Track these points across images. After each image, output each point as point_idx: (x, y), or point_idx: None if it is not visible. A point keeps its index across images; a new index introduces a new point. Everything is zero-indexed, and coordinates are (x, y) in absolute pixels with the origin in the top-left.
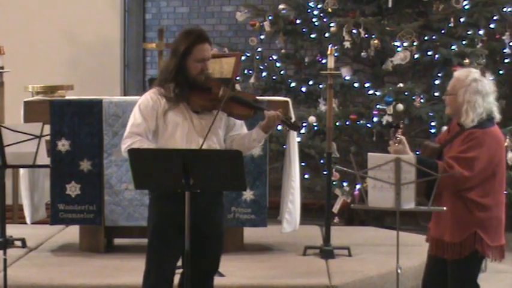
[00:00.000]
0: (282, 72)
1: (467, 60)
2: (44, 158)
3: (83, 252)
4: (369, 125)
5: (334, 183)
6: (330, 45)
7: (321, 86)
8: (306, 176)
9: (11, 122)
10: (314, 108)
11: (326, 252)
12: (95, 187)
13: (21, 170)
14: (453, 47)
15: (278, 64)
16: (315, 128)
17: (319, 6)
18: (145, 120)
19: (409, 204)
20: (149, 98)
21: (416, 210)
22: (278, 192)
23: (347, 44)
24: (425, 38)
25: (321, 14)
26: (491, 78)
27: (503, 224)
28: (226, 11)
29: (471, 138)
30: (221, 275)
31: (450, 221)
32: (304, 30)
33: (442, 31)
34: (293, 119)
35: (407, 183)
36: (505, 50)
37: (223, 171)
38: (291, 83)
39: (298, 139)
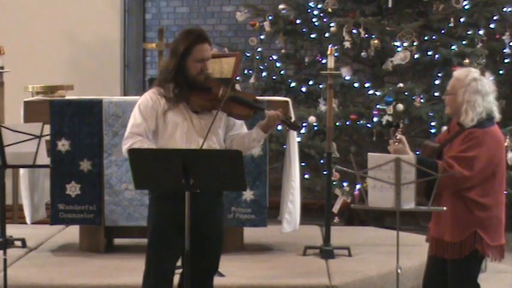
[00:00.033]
0: (282, 72)
1: (467, 60)
2: (44, 158)
3: (83, 252)
4: (369, 125)
5: (334, 183)
6: (330, 45)
7: (321, 86)
8: (306, 176)
9: (11, 122)
10: (314, 108)
11: (326, 252)
12: (95, 187)
13: (21, 170)
14: (453, 47)
15: (278, 64)
16: (315, 128)
17: (319, 6)
18: (145, 120)
19: (409, 204)
20: (149, 98)
21: (416, 210)
22: (278, 192)
23: (347, 44)
24: (425, 38)
25: (321, 14)
26: (491, 78)
27: (503, 223)
28: (226, 11)
29: (471, 138)
30: (221, 275)
31: (450, 221)
32: (304, 30)
33: (442, 31)
34: (293, 119)
35: (407, 183)
36: (505, 50)
37: (223, 171)
38: (291, 83)
39: (298, 139)
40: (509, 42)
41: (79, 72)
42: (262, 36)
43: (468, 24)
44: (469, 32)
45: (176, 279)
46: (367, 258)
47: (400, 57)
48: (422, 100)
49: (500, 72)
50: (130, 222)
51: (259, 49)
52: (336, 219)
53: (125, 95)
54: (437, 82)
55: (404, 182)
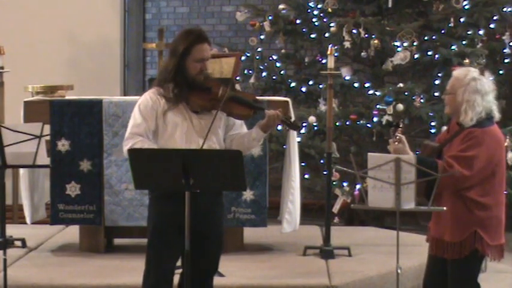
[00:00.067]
0: (282, 72)
1: (467, 60)
2: (44, 158)
3: (83, 252)
4: (369, 125)
5: (334, 183)
6: (330, 45)
7: (321, 86)
8: (306, 176)
9: (11, 122)
10: (314, 108)
11: (326, 252)
12: (95, 187)
13: (21, 170)
14: (453, 47)
15: (278, 64)
16: (315, 128)
17: (319, 6)
18: (145, 120)
19: (409, 204)
20: (148, 98)
21: (416, 210)
22: (278, 192)
23: (347, 44)
24: (425, 38)
25: (321, 14)
26: (490, 77)
27: (503, 223)
28: (226, 11)
29: (470, 137)
30: (221, 275)
31: (450, 221)
32: (304, 30)
33: (442, 31)
34: (293, 119)
35: (407, 183)
36: (505, 50)
37: (223, 171)
38: (291, 83)
39: (298, 139)
40: (509, 42)
41: (79, 72)
42: (262, 36)
43: (468, 24)
44: (469, 32)
45: (176, 279)
46: (367, 258)
47: (400, 57)
48: (422, 100)
49: (500, 72)
50: (130, 222)
51: (259, 49)
52: (336, 219)
53: (125, 95)
54: (437, 82)
55: (404, 182)
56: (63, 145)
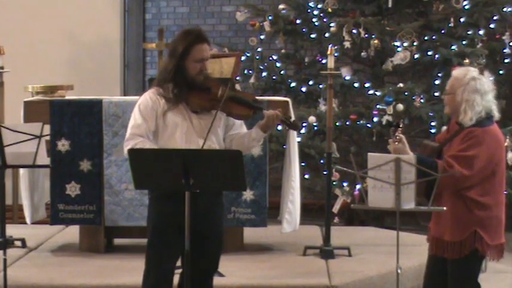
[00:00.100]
0: (282, 72)
1: (467, 60)
2: (44, 158)
3: (83, 252)
4: (369, 125)
5: (334, 183)
6: (330, 45)
7: (321, 86)
8: (306, 176)
9: (11, 122)
10: (314, 108)
11: (326, 252)
12: (95, 187)
13: (21, 170)
14: (453, 47)
15: (278, 64)
16: (315, 128)
17: (319, 6)
18: (145, 120)
19: (409, 204)
20: (148, 98)
21: (416, 210)
22: (278, 192)
23: (347, 44)
24: (425, 38)
25: (321, 14)
26: (490, 77)
27: (503, 223)
28: (226, 11)
29: (470, 137)
30: (221, 275)
31: (450, 220)
32: (304, 30)
33: (442, 31)
34: (292, 119)
35: (407, 183)
36: (505, 50)
37: (223, 171)
38: (291, 83)
39: (298, 139)
40: (509, 42)
41: (79, 72)
42: (262, 36)
43: (468, 24)
44: (469, 32)
45: (176, 279)
46: (367, 258)
47: (400, 57)
48: (422, 100)
49: (500, 72)
50: (130, 222)
51: (259, 49)
52: (336, 219)
53: (124, 95)
54: (437, 82)
55: (404, 182)
56: (63, 145)
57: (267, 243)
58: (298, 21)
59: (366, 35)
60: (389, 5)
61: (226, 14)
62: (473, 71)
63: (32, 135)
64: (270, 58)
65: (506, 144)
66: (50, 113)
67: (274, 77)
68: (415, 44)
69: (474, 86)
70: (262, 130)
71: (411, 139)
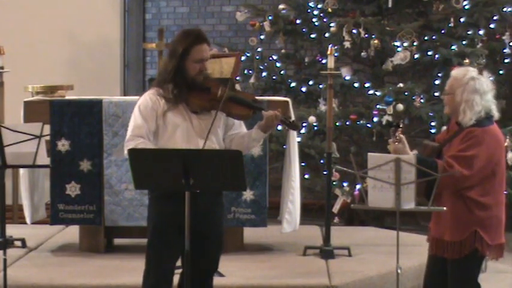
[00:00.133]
0: (282, 72)
1: (467, 60)
2: (44, 158)
3: (83, 252)
4: (369, 125)
5: (334, 183)
6: (330, 45)
7: (321, 86)
8: (306, 176)
9: (11, 122)
10: (314, 108)
11: (326, 252)
12: (95, 187)
13: (21, 170)
14: (453, 47)
15: (278, 64)
16: (315, 128)
17: (319, 6)
18: (146, 121)
19: (409, 204)
20: (148, 99)
21: (417, 210)
22: (278, 192)
23: (347, 44)
24: (425, 38)
25: (321, 14)
26: (490, 77)
27: (503, 223)
28: (226, 11)
29: (470, 137)
30: (221, 275)
31: (450, 220)
32: (304, 30)
33: (442, 31)
34: (292, 119)
35: (407, 183)
36: (505, 50)
37: (223, 171)
38: (291, 83)
39: (298, 139)
40: (509, 42)
41: (79, 72)
42: (262, 36)
43: (468, 24)
44: (469, 32)
45: (176, 279)
46: (367, 258)
47: (400, 57)
48: (422, 100)
49: (500, 72)
50: (130, 222)
51: (259, 49)
52: (336, 219)
53: (124, 95)
54: (437, 82)
55: (404, 182)
56: (63, 145)
57: (267, 243)
58: (298, 21)
59: (366, 35)
60: (389, 5)
61: (226, 14)
62: (472, 71)
63: (32, 135)
64: (270, 58)
65: (506, 144)
66: (50, 113)
67: (274, 77)
68: (415, 44)
69: (473, 86)
70: (262, 131)
71: (411, 139)
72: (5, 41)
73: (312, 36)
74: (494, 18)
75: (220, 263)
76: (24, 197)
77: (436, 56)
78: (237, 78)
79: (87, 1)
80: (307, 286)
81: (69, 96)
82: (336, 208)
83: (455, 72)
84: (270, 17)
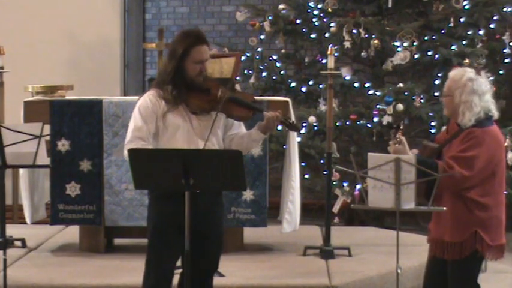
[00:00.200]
0: (282, 72)
1: (467, 60)
2: (44, 158)
3: (83, 252)
4: (369, 125)
5: (334, 183)
6: (330, 45)
7: (321, 86)
8: (306, 176)
9: (11, 122)
10: (314, 108)
11: (326, 252)
12: (95, 187)
13: (21, 170)
14: (453, 47)
15: (278, 64)
16: (315, 128)
17: (319, 6)
18: (146, 123)
19: (409, 204)
20: (148, 100)
21: (417, 211)
22: (278, 192)
23: (347, 44)
24: (425, 38)
25: (321, 14)
26: (489, 77)
27: (504, 224)
28: (226, 11)
29: (471, 138)
30: (221, 275)
31: (450, 221)
32: (304, 30)
33: (442, 31)
34: (292, 120)
35: (408, 183)
36: (505, 50)
37: (223, 171)
38: (291, 83)
39: (298, 139)
40: (509, 42)
41: (79, 72)
42: (262, 36)
43: (468, 24)
44: (469, 32)
45: (176, 279)
46: (367, 258)
47: (400, 57)
48: (422, 100)
49: (500, 72)
50: (130, 222)
51: (259, 49)
52: (336, 219)
53: (124, 95)
54: (437, 82)
55: (404, 182)
56: (63, 145)
57: (267, 243)
58: (298, 21)
59: (366, 35)
60: (389, 5)
61: (226, 14)
62: (470, 72)
63: (32, 135)
64: (270, 58)
65: (506, 144)
66: (50, 113)
67: (274, 77)
68: (415, 44)
69: (472, 87)
70: (262, 131)
71: (411, 139)
72: (5, 41)
73: (312, 36)
74: (494, 18)
75: (220, 263)
76: (24, 197)
77: (436, 56)
78: (237, 78)
79: (87, 1)
80: (307, 286)
81: (69, 96)
82: (336, 208)
83: (453, 73)
84: (270, 17)
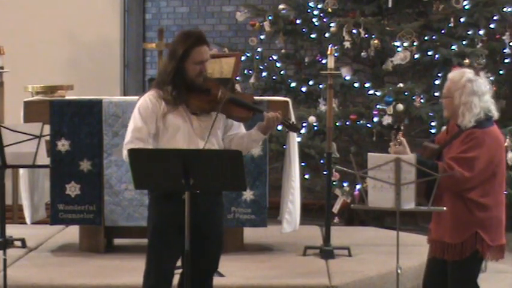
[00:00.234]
0: (282, 72)
1: (467, 60)
2: (43, 158)
3: (83, 252)
4: (369, 125)
5: (334, 183)
6: (330, 45)
7: (321, 86)
8: (306, 176)
9: (11, 122)
10: (314, 108)
11: (326, 252)
12: (95, 187)
13: (21, 170)
14: (453, 47)
15: (278, 64)
16: (315, 128)
17: (319, 6)
18: (145, 124)
19: (409, 204)
20: (148, 100)
21: (417, 211)
22: (278, 192)
23: (347, 44)
24: (425, 38)
25: (321, 14)
26: (490, 77)
27: (504, 224)
28: (226, 11)
29: (471, 138)
30: (221, 275)
31: (450, 222)
32: (304, 30)
33: (442, 31)
34: (292, 121)
35: (408, 183)
36: (505, 50)
37: (223, 171)
38: (291, 83)
39: (298, 139)
40: (509, 42)
41: (79, 72)
42: (262, 36)
43: (468, 24)
44: (469, 32)
45: (176, 279)
46: (367, 258)
47: (400, 57)
48: (422, 100)
49: (500, 72)
50: (130, 222)
51: (259, 49)
52: (336, 219)
53: (124, 95)
54: (437, 82)
55: (404, 182)
56: (63, 145)
57: (267, 243)
58: (298, 21)
59: (366, 35)
60: (389, 5)
61: (226, 14)
62: (469, 73)
63: (32, 135)
64: (270, 58)
65: (506, 144)
66: (50, 113)
67: (274, 77)
68: (415, 44)
69: (471, 88)
70: (262, 132)
71: (411, 139)
72: (5, 41)
73: (312, 36)
74: (494, 18)
75: (220, 263)
76: (24, 197)
77: (436, 56)
78: (237, 78)
79: (87, 1)
80: (307, 286)
81: (69, 96)
82: (336, 208)
83: (452, 75)
84: (270, 17)
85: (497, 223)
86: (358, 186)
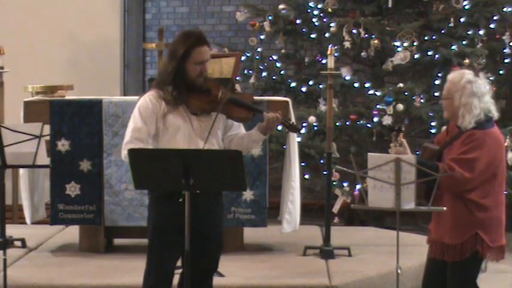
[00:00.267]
0: (282, 72)
1: (467, 60)
2: (43, 158)
3: (83, 252)
4: (369, 125)
5: (334, 183)
6: (330, 45)
7: (321, 86)
8: (306, 176)
9: (11, 122)
10: (314, 108)
11: (326, 252)
12: (95, 187)
13: (21, 170)
14: (453, 47)
15: (278, 64)
16: (315, 128)
17: (319, 6)
18: (145, 124)
19: (409, 204)
20: (148, 100)
21: (417, 211)
22: (278, 192)
23: (347, 44)
24: (425, 38)
25: (321, 14)
26: (489, 77)
27: (504, 224)
28: (226, 11)
29: (472, 140)
30: (221, 275)
31: (450, 222)
32: (304, 30)
33: (442, 31)
34: (292, 121)
35: (408, 183)
36: (505, 50)
37: (223, 172)
38: (291, 83)
39: (298, 139)
40: (509, 42)
41: (79, 72)
42: (262, 36)
43: (468, 24)
44: (469, 32)
45: (176, 279)
46: (367, 258)
47: (400, 57)
48: (422, 100)
49: (500, 72)
50: (130, 222)
51: (259, 49)
52: (336, 219)
53: (124, 95)
54: (437, 82)
55: (404, 182)
56: (63, 145)
57: (267, 243)
58: (298, 21)
59: (366, 35)
60: (389, 5)
61: (226, 14)
62: (469, 74)
63: (32, 135)
64: (270, 58)
65: (506, 144)
66: (50, 113)
67: (274, 77)
68: (415, 44)
69: (471, 90)
70: (262, 132)
71: (411, 139)
72: (5, 41)
73: (312, 36)
74: (494, 18)
75: (220, 263)
76: (24, 197)
77: (436, 56)
78: (237, 78)
79: (87, 1)
80: (307, 286)
81: (69, 96)
82: (336, 208)
83: (452, 76)
84: (270, 17)
85: (497, 224)
86: (358, 186)
